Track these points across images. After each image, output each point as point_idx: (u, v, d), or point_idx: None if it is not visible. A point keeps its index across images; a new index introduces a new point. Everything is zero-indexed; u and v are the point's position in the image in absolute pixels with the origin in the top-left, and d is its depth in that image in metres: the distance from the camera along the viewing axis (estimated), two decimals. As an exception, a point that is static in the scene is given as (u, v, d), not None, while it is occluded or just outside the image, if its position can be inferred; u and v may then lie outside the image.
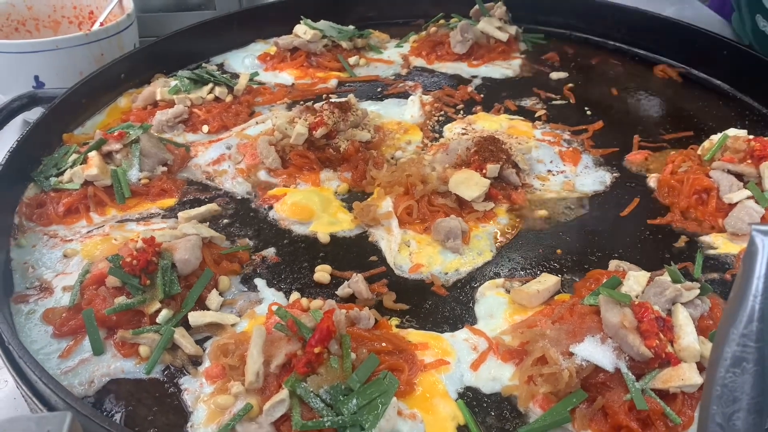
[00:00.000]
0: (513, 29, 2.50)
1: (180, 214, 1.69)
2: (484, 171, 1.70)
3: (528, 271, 1.54)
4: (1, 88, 2.41)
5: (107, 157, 1.82)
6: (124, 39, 2.40)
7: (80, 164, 1.77)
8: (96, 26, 2.40)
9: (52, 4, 2.62)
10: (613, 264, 1.49)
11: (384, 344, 1.30)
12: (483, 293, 1.47)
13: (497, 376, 1.28)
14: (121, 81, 2.24)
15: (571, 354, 1.22)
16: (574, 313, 1.32)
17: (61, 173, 1.79)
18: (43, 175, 1.80)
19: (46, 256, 1.61)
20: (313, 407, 1.16)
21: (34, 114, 2.05)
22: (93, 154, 1.78)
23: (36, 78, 2.28)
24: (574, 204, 1.75)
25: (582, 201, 1.76)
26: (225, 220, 1.73)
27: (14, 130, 2.30)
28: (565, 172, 1.85)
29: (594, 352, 1.21)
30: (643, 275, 1.35)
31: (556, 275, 1.50)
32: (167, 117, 2.04)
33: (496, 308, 1.43)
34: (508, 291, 1.48)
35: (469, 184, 1.67)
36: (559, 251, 1.59)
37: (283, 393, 1.17)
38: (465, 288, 1.50)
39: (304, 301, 1.40)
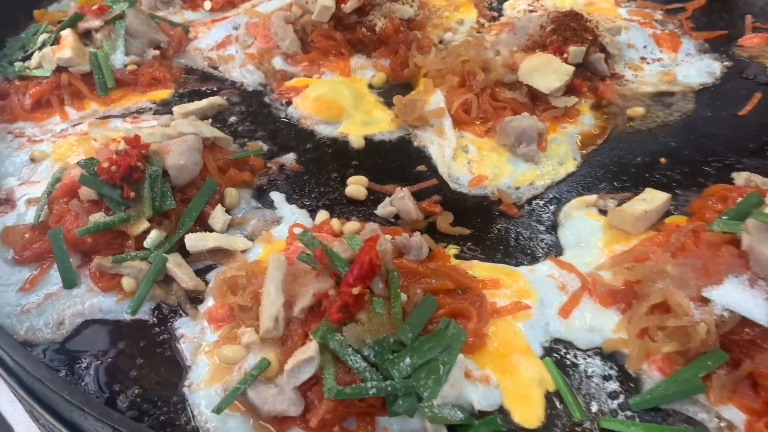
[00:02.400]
0: None
1: (175, 109, 1.34)
2: (565, 55, 1.32)
3: (626, 186, 1.18)
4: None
5: (85, 37, 1.46)
6: None
7: (51, 45, 1.41)
8: None
9: None
10: (741, 177, 1.13)
11: (443, 281, 0.97)
12: (569, 214, 1.12)
13: (596, 326, 0.96)
14: (105, -53, 1.82)
15: (706, 300, 0.88)
16: (701, 243, 0.98)
17: (29, 57, 1.44)
18: (6, 60, 1.45)
19: (8, 160, 1.28)
20: (351, 367, 0.85)
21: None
22: (67, 33, 1.42)
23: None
24: (677, 100, 1.37)
25: (687, 96, 1.38)
26: (232, 118, 1.37)
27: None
28: (662, 60, 1.46)
29: (739, 298, 0.88)
30: (796, 192, 0.99)
31: (664, 191, 1.14)
32: (161, -10, 1.65)
33: (587, 234, 1.09)
34: (602, 211, 1.13)
35: (546, 72, 1.29)
36: (663, 160, 1.23)
37: (311, 347, 0.85)
38: (544, 207, 1.16)
39: (335, 222, 1.07)
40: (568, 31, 1.34)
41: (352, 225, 1.05)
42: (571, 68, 1.29)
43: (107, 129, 1.34)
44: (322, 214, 1.13)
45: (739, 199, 1.03)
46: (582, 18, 1.37)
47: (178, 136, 1.19)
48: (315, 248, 0.93)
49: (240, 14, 1.64)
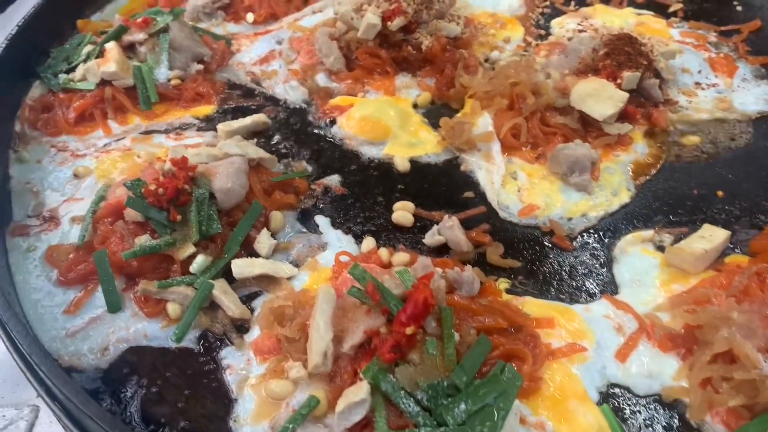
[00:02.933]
0: None
1: (219, 127, 1.32)
2: (618, 80, 1.28)
3: (682, 221, 1.14)
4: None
5: (129, 50, 1.45)
6: None
7: (96, 58, 1.40)
8: None
9: None
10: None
11: (496, 319, 0.94)
12: (624, 249, 1.09)
13: (655, 372, 0.92)
14: (149, -45, 1.82)
15: (776, 352, 0.84)
16: (767, 288, 0.93)
17: (73, 69, 1.43)
18: (51, 71, 1.44)
19: (52, 175, 1.27)
20: (404, 411, 0.83)
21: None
22: (111, 46, 1.41)
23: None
24: (734, 128, 1.32)
25: (744, 125, 1.33)
26: (276, 137, 1.35)
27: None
28: (718, 86, 1.41)
29: (813, 351, 0.83)
30: None
31: (723, 227, 1.10)
32: (204, 2, 1.64)
33: (644, 272, 1.05)
34: (658, 247, 1.09)
35: (600, 98, 1.25)
36: (720, 193, 1.19)
37: (363, 389, 0.83)
38: (598, 240, 1.12)
39: (384, 252, 1.05)
40: (622, 55, 1.30)
41: (402, 256, 1.02)
42: (626, 95, 1.25)
43: (151, 145, 1.33)
44: (369, 242, 1.11)
45: (807, 241, 0.99)
46: (636, 42, 1.33)
47: (225, 157, 1.18)
48: (366, 283, 0.91)
49: (283, 28, 1.62)
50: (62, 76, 1.41)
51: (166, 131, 1.36)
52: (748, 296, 0.94)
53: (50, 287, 1.07)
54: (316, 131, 1.37)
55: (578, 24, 1.58)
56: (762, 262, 1.00)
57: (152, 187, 1.06)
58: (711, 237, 1.06)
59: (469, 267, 1.00)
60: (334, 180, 1.25)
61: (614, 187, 1.20)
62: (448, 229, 1.10)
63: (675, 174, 1.23)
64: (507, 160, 1.26)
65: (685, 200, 1.18)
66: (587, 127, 1.28)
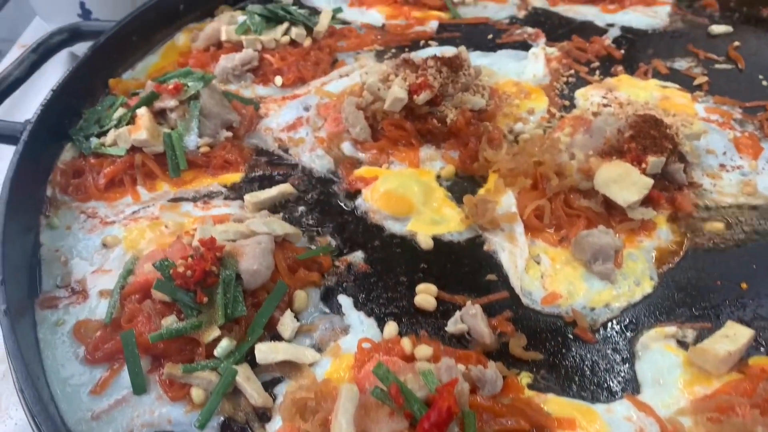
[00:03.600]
0: (661, -36, 1.98)
1: (247, 198, 1.35)
2: (643, 165, 1.28)
3: (705, 314, 1.14)
4: (43, 13, 2.09)
5: (160, 115, 1.48)
6: (185, -40, 2.00)
7: (127, 124, 1.43)
8: (152, -57, 2.00)
9: None
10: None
11: (518, 421, 0.94)
12: (647, 345, 1.09)
13: (677, 482, 0.92)
14: (180, 13, 1.87)
15: (801, 473, 0.84)
16: (793, 399, 0.93)
17: (105, 132, 1.46)
18: (82, 134, 1.47)
19: (81, 243, 1.30)
20: None
21: (81, 47, 1.71)
22: (142, 112, 1.44)
23: (81, 5, 1.93)
24: (759, 215, 1.32)
25: (768, 211, 1.33)
26: (301, 208, 1.37)
27: (60, 63, 1.98)
28: (742, 168, 1.41)
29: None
30: None
31: (746, 324, 1.09)
32: (233, 64, 1.67)
33: (666, 371, 1.05)
34: (681, 343, 1.09)
35: (625, 184, 1.26)
36: (744, 285, 1.18)
37: (385, 496, 0.83)
38: (620, 333, 1.12)
39: (407, 343, 1.05)
40: (647, 138, 1.31)
41: (425, 350, 1.03)
42: (651, 181, 1.26)
43: (179, 213, 1.35)
44: (391, 328, 1.12)
45: (833, 351, 0.98)
46: (662, 125, 1.34)
47: (252, 234, 1.19)
48: (390, 384, 0.92)
49: (310, 92, 1.64)
50: (93, 140, 1.44)
51: (194, 199, 1.39)
52: (774, 407, 0.93)
53: (76, 365, 1.08)
54: (340, 203, 1.38)
55: (603, 97, 1.59)
56: (787, 367, 1.00)
57: (180, 269, 1.08)
58: (735, 336, 1.06)
59: (492, 364, 1.01)
60: (357, 257, 1.26)
61: (637, 275, 1.20)
62: (471, 317, 1.11)
63: (698, 263, 1.23)
64: (530, 242, 1.27)
65: (708, 292, 1.18)
66: (610, 210, 1.29)
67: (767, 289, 1.17)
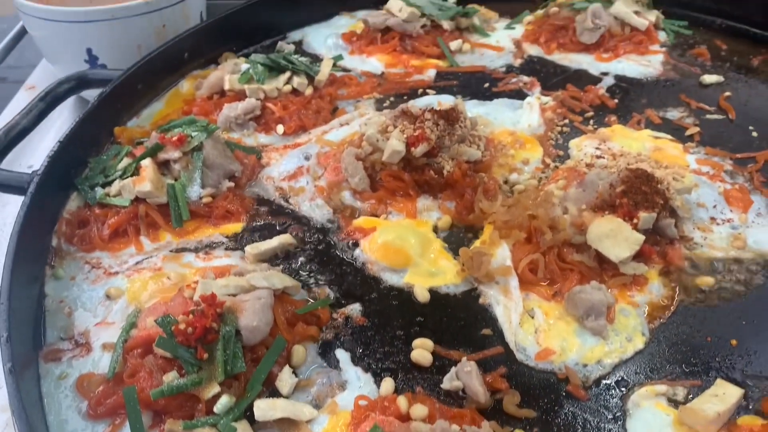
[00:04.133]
0: (653, 15, 2.04)
1: (248, 249, 1.38)
2: (635, 221, 1.31)
3: (695, 371, 1.16)
4: (50, 57, 2.14)
5: (164, 166, 1.51)
6: (190, 7, 2.06)
7: (131, 175, 1.47)
8: (158, -8, 2.06)
9: (112, -41, 2.28)
10: (821, 379, 1.10)
11: (511, 481, 0.96)
12: (638, 403, 1.11)
13: None
14: (185, 61, 1.92)
15: None
16: (779, 463, 0.95)
17: (110, 182, 1.49)
18: (88, 183, 1.51)
19: (85, 294, 1.33)
20: None
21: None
22: (147, 163, 1.47)
23: (89, 51, 1.98)
24: (749, 268, 1.35)
25: (759, 265, 1.35)
26: (301, 259, 1.40)
27: (65, 105, 2.03)
28: (732, 221, 1.44)
29: None
30: None
31: (736, 382, 1.12)
32: (236, 113, 1.71)
33: (657, 430, 1.06)
34: (672, 401, 1.11)
35: (617, 240, 1.29)
36: (734, 342, 1.21)
37: None
38: (611, 390, 1.14)
39: (402, 402, 1.07)
40: (639, 194, 1.34)
41: (420, 410, 1.05)
42: (642, 237, 1.29)
43: (181, 264, 1.38)
44: (388, 384, 1.14)
45: (819, 413, 1.00)
46: (653, 180, 1.37)
47: (251, 289, 1.22)
48: (386, 448, 0.94)
49: (311, 141, 1.68)
50: (99, 190, 1.48)
51: (196, 250, 1.42)
52: (761, 470, 0.95)
53: (78, 420, 1.10)
54: (339, 253, 1.41)
55: (596, 148, 1.63)
56: (774, 427, 1.02)
57: (182, 326, 1.10)
58: (724, 396, 1.08)
59: (485, 424, 1.03)
60: (355, 309, 1.29)
61: (629, 331, 1.22)
62: (466, 374, 1.13)
63: (689, 318, 1.25)
64: (524, 296, 1.30)
65: (698, 349, 1.20)
66: (603, 264, 1.32)
67: (756, 345, 1.20)
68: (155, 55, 1.81)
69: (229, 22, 2.02)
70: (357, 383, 1.16)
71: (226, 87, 1.77)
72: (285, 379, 1.14)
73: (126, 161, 1.52)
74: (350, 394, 1.13)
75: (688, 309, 1.28)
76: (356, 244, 1.43)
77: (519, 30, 2.13)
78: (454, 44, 2.02)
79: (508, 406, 1.11)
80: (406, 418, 1.05)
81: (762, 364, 1.17)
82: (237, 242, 1.44)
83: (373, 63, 2.00)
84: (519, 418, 1.10)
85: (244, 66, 1.83)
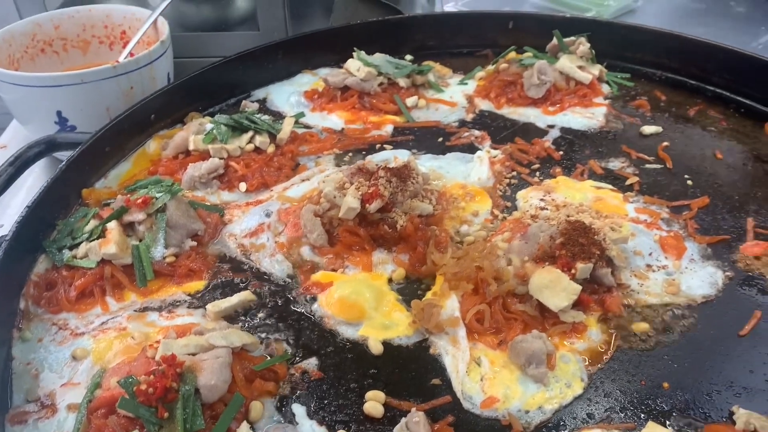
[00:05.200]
0: (597, 69, 2.17)
1: (209, 308, 1.44)
2: (573, 271, 1.40)
3: (629, 414, 1.24)
4: (21, 119, 2.21)
5: (129, 227, 1.58)
6: (157, 69, 2.15)
7: (98, 237, 1.53)
8: (124, 55, 2.15)
9: (82, 23, 2.39)
10: (742, 418, 1.19)
11: None
12: (575, 449, 1.18)
13: None
14: (151, 122, 2.00)
15: None
16: (700, 501, 1.02)
17: (77, 245, 1.55)
18: (55, 246, 1.56)
19: (52, 356, 1.38)
20: None
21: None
22: (112, 226, 1.54)
23: (59, 113, 2.06)
24: (681, 313, 1.44)
25: (690, 309, 1.45)
26: (260, 314, 1.47)
27: (41, 164, 2.11)
28: (667, 268, 1.54)
29: None
30: (791, 453, 1.05)
31: (666, 424, 1.20)
32: (200, 172, 1.79)
33: (592, 473, 1.14)
34: (606, 445, 1.18)
35: (556, 290, 1.37)
36: (666, 385, 1.29)
37: None
38: (551, 435, 1.21)
39: (354, 454, 1.13)
40: (576, 246, 1.43)
41: (369, 461, 1.11)
42: (579, 287, 1.38)
43: (145, 323, 1.44)
44: (341, 436, 1.20)
45: (737, 452, 1.09)
46: (590, 232, 1.46)
47: (210, 348, 1.28)
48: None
49: (273, 198, 1.76)
50: (66, 252, 1.54)
51: (160, 309, 1.48)
52: None
53: (44, 483, 1.15)
54: (297, 308, 1.48)
55: (541, 199, 1.72)
56: (699, 466, 1.10)
57: (143, 387, 1.16)
58: (653, 438, 1.16)
59: (431, 472, 1.10)
60: (311, 363, 1.36)
61: (569, 377, 1.30)
62: (414, 424, 1.20)
63: (625, 363, 1.34)
64: (472, 345, 1.37)
65: (633, 392, 1.28)
66: (545, 313, 1.40)
67: (685, 387, 1.28)
68: (122, 118, 1.88)
69: (194, 82, 2.11)
70: (312, 436, 1.22)
71: (191, 147, 1.85)
72: (243, 435, 1.20)
73: (93, 223, 1.58)
74: (305, 448, 1.19)
75: (625, 354, 1.36)
76: (314, 299, 1.50)
77: (471, 85, 2.24)
78: (410, 100, 2.13)
79: (454, 454, 1.18)
80: (356, 469, 1.12)
81: (690, 404, 1.25)
82: (199, 300, 1.50)
83: (334, 120, 2.09)
84: (464, 465, 1.17)
85: (209, 126, 1.92)
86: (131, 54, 2.16)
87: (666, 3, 3.25)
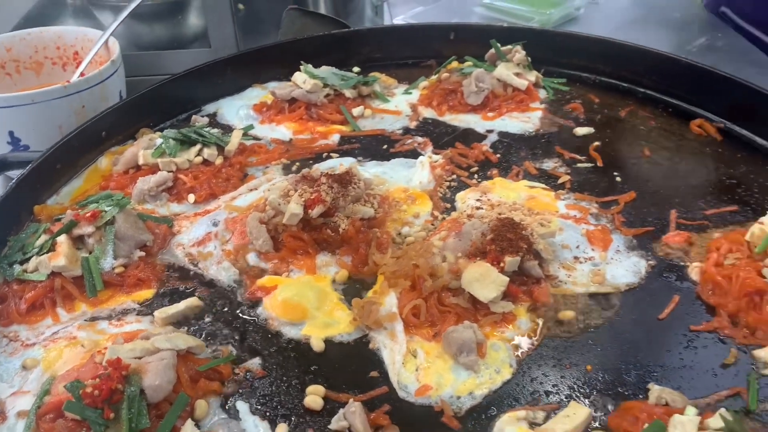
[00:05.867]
0: (533, 75, 2.28)
1: (156, 314, 1.50)
2: (502, 264, 1.49)
3: (554, 396, 1.32)
4: (-25, 141, 2.23)
5: (79, 240, 1.63)
6: (109, 87, 2.21)
7: (48, 251, 1.58)
8: (76, 76, 2.20)
9: (34, 45, 2.44)
10: (654, 393, 1.27)
11: (384, 507, 1.09)
12: (501, 429, 1.26)
13: None
14: (102, 139, 2.05)
15: None
16: (613, 469, 1.11)
17: (27, 259, 1.59)
18: (6, 261, 1.61)
19: (2, 366, 1.42)
20: None
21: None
22: (62, 240, 1.59)
23: (11, 134, 2.10)
24: (606, 301, 1.53)
25: (614, 297, 1.54)
26: (207, 318, 1.53)
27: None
28: (594, 259, 1.63)
29: None
30: (692, 421, 1.14)
31: (588, 403, 1.29)
32: (149, 186, 1.84)
33: (516, 451, 1.22)
34: (532, 425, 1.26)
35: (485, 283, 1.45)
36: (588, 367, 1.38)
37: None
38: (481, 418, 1.29)
39: (292, 442, 1.20)
40: (504, 241, 1.52)
41: (306, 447, 1.18)
42: (506, 279, 1.46)
43: (95, 331, 1.49)
44: (281, 429, 1.26)
45: (646, 424, 1.17)
46: (518, 227, 1.55)
47: (156, 350, 1.34)
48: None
49: (221, 207, 1.82)
50: (17, 267, 1.58)
51: (109, 317, 1.53)
52: (597, 477, 1.11)
53: (-7, 487, 1.20)
54: (243, 312, 1.54)
55: (477, 199, 1.81)
56: (613, 440, 1.18)
57: (89, 390, 1.21)
58: (573, 415, 1.24)
59: (363, 456, 1.16)
60: (255, 363, 1.42)
61: (498, 364, 1.38)
62: (351, 414, 1.26)
63: (551, 349, 1.42)
64: (409, 338, 1.45)
65: (558, 376, 1.36)
66: (477, 305, 1.48)
67: (606, 369, 1.36)
68: (73, 136, 1.93)
69: (145, 99, 2.16)
70: (254, 431, 1.28)
71: (141, 162, 1.91)
72: (188, 432, 1.25)
73: (43, 238, 1.63)
74: (248, 440, 1.25)
75: (552, 341, 1.44)
76: (259, 302, 1.56)
77: (415, 95, 2.33)
78: (356, 110, 2.21)
79: (388, 440, 1.25)
80: (294, 457, 1.18)
81: (610, 385, 1.33)
82: (148, 308, 1.55)
83: (282, 131, 2.17)
84: (398, 450, 1.24)
85: (159, 141, 1.98)
86: (82, 74, 2.21)
87: (607, 11, 3.38)
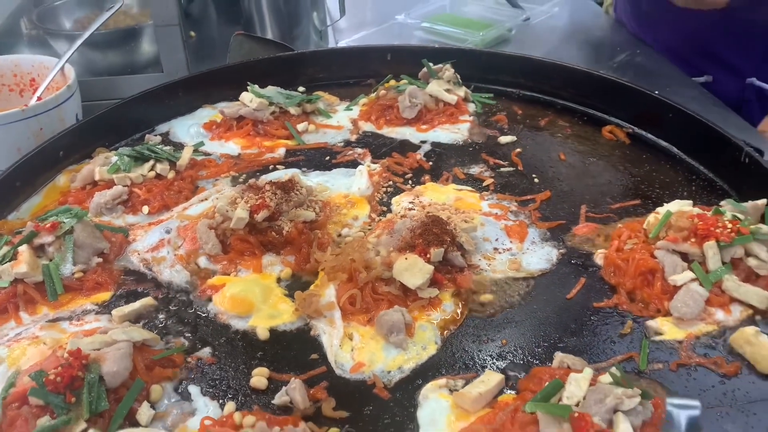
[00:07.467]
0: (462, 90, 2.48)
1: (114, 312, 1.63)
2: (428, 255, 1.67)
3: (473, 367, 1.50)
4: (-65, 165, 2.33)
5: (39, 249, 1.75)
6: (65, 111, 2.34)
7: (10, 260, 1.70)
8: (33, 100, 2.33)
9: (-9, 72, 2.55)
10: (558, 358, 1.46)
11: (320, 464, 1.25)
12: (425, 396, 1.42)
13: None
14: (60, 158, 2.17)
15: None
16: (516, 422, 1.28)
17: (-10, 269, 1.71)
18: (-31, 271, 1.72)
19: (-32, 367, 1.53)
20: None
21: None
22: (23, 249, 1.71)
23: (-29, 155, 2.20)
24: (521, 285, 1.72)
25: (528, 282, 1.73)
26: (161, 316, 1.66)
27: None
28: (511, 250, 1.82)
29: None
30: (585, 377, 1.32)
31: (502, 371, 1.46)
32: (105, 199, 1.98)
33: (438, 414, 1.38)
34: (452, 391, 1.43)
35: (413, 271, 1.63)
36: (504, 341, 1.56)
37: None
38: (408, 389, 1.45)
39: (237, 416, 1.34)
40: (430, 235, 1.70)
41: (249, 420, 1.31)
42: (431, 267, 1.63)
43: (57, 331, 1.61)
44: (229, 407, 1.40)
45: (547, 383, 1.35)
46: (442, 223, 1.74)
47: (113, 342, 1.47)
48: (214, 447, 1.20)
49: (173, 217, 1.96)
50: (-20, 277, 1.70)
51: (70, 318, 1.65)
52: (503, 430, 1.28)
53: (-38, 470, 1.31)
54: (194, 309, 1.68)
55: (410, 202, 2.00)
56: (521, 400, 1.35)
57: (51, 377, 1.34)
58: (487, 381, 1.41)
59: (302, 424, 1.31)
60: (206, 352, 1.56)
61: (425, 342, 1.55)
62: (292, 390, 1.42)
63: (472, 328, 1.60)
64: (347, 324, 1.61)
65: (478, 350, 1.54)
66: (407, 292, 1.65)
67: (518, 342, 1.54)
68: (32, 155, 2.05)
69: (101, 120, 2.30)
70: (204, 410, 1.42)
71: (97, 178, 2.04)
72: (143, 413, 1.38)
73: (5, 249, 1.75)
74: (197, 418, 1.39)
75: (473, 320, 1.62)
76: (209, 300, 1.70)
77: (356, 111, 2.52)
78: (301, 126, 2.38)
79: (326, 410, 1.40)
80: (239, 428, 1.32)
81: (520, 355, 1.52)
82: (106, 308, 1.68)
83: (231, 146, 2.32)
84: (334, 419, 1.39)
85: (114, 158, 2.11)
86: (39, 98, 2.34)
87: (536, 32, 3.64)
